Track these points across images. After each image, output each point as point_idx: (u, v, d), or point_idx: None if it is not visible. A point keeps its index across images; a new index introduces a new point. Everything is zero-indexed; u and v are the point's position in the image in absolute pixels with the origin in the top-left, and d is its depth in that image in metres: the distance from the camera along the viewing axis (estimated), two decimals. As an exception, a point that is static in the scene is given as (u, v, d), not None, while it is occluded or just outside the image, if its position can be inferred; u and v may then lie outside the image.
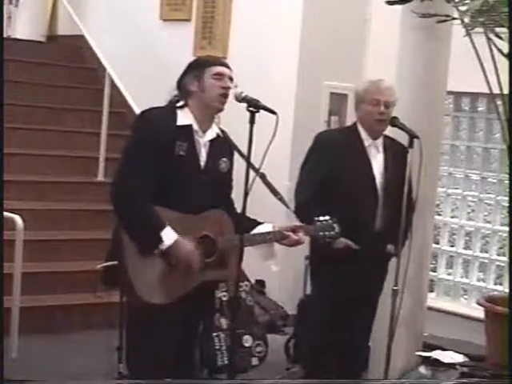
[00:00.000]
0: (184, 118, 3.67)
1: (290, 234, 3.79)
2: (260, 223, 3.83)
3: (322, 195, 4.27)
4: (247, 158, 3.55)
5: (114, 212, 3.62)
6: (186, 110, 3.69)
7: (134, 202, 3.57)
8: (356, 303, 4.36)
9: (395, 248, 4.41)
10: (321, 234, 3.93)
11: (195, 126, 3.67)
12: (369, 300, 4.50)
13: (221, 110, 3.71)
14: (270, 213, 4.13)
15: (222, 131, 3.80)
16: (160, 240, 3.51)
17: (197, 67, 3.72)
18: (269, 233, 3.79)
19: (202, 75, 3.68)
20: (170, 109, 3.70)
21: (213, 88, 3.66)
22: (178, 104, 3.70)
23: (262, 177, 3.63)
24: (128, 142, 3.73)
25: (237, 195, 3.81)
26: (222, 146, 3.78)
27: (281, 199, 3.89)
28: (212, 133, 3.73)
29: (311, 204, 4.18)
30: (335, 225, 3.93)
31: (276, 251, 3.87)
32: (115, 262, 3.57)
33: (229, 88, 3.67)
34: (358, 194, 4.30)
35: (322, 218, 3.92)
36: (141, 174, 3.56)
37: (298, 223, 3.96)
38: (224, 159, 3.77)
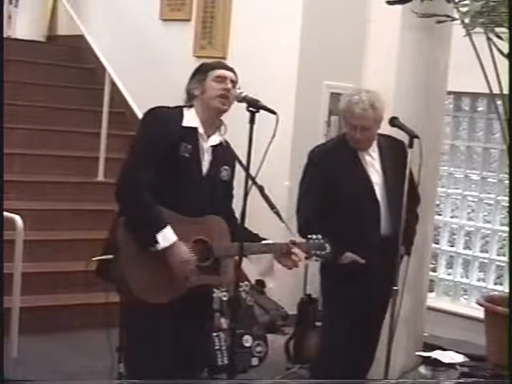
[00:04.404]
0: (190, 119, 3.69)
1: (293, 247, 3.75)
2: (263, 239, 3.80)
3: (324, 211, 4.28)
4: (247, 169, 3.53)
5: (117, 203, 3.63)
6: (193, 112, 3.71)
7: (137, 195, 3.56)
8: (374, 309, 4.36)
9: (405, 248, 4.40)
10: (312, 252, 3.90)
11: (200, 130, 3.69)
12: (384, 305, 4.43)
13: (222, 110, 3.71)
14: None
15: (226, 142, 3.81)
16: (156, 240, 3.49)
17: (200, 72, 3.76)
18: (274, 244, 3.76)
19: (204, 79, 3.71)
20: (178, 109, 3.72)
21: (212, 89, 3.68)
22: (185, 105, 3.73)
23: (261, 189, 3.61)
24: (135, 137, 3.77)
25: (236, 205, 3.79)
26: (225, 154, 3.78)
27: (277, 213, 3.90)
28: (215, 139, 3.74)
29: (313, 223, 4.17)
30: (327, 244, 3.89)
31: (275, 269, 3.87)
32: (111, 256, 3.56)
33: (229, 90, 3.67)
34: (358, 204, 4.28)
35: (314, 237, 3.89)
36: (145, 168, 3.56)
37: (293, 238, 3.92)
38: (226, 167, 3.77)
